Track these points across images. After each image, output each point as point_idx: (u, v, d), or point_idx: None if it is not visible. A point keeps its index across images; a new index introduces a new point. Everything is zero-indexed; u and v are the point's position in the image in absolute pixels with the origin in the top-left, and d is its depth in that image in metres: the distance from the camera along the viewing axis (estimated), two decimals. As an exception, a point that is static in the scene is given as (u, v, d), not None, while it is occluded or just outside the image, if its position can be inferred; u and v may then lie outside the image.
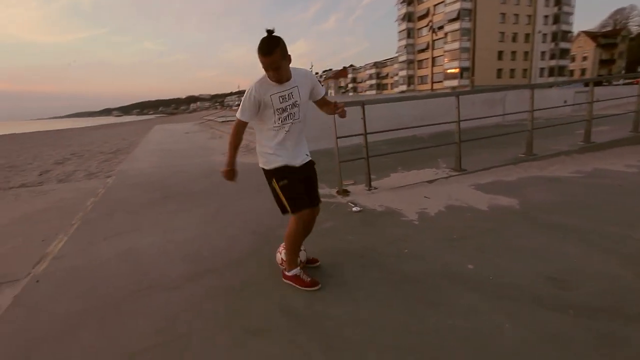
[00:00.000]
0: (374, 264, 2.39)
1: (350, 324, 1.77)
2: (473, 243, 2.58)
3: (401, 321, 1.77)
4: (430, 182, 4.23)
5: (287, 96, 1.96)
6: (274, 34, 1.80)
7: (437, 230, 2.87)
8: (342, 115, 2.17)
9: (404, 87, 57.02)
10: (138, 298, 2.16)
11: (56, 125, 57.99)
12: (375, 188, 4.12)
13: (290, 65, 1.92)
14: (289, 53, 1.85)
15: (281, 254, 2.22)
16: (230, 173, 2.08)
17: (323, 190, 4.24)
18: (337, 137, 3.84)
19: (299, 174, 2.08)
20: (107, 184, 5.67)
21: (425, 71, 53.30)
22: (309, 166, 2.17)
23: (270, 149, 2.02)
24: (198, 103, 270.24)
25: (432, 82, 48.50)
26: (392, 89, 66.44)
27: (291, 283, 2.14)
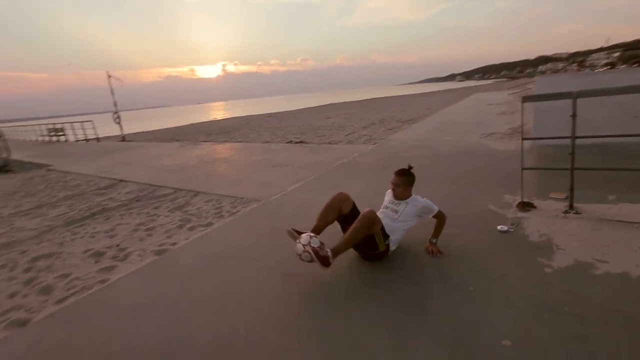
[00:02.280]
0: (413, 287, 2.26)
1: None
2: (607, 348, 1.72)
3: None
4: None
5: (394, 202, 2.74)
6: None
7: (571, 297, 2.02)
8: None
9: None
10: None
11: (404, 91, 71.53)
12: (577, 212, 3.01)
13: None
14: None
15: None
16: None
17: (513, 196, 3.60)
18: (524, 138, 3.12)
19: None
20: (364, 150, 7.31)
21: None
22: None
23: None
24: (549, 64, 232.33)
25: None
26: None
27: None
